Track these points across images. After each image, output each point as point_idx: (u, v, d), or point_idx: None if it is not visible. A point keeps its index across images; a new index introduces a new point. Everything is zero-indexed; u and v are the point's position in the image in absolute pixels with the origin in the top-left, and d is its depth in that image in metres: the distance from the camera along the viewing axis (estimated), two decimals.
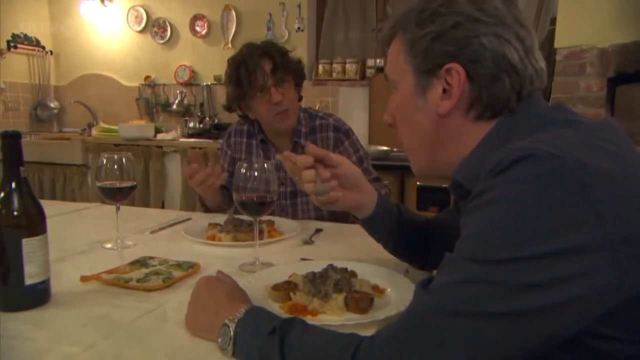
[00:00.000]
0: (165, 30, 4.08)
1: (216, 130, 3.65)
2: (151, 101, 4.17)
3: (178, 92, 4.03)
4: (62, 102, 4.49)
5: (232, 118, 1.75)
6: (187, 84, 4.05)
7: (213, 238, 1.29)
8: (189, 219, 1.53)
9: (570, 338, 0.55)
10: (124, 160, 1.21)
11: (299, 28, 3.70)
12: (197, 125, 3.78)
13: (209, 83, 3.96)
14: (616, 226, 0.52)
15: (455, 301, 0.55)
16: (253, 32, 3.76)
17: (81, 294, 0.92)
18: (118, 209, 1.24)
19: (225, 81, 1.64)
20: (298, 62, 1.64)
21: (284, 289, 0.89)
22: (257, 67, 1.53)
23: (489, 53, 0.68)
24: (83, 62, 4.40)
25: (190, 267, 1.04)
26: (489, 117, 0.71)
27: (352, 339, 0.62)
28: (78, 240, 1.28)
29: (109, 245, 1.24)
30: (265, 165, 1.06)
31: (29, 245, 0.83)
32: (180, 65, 4.06)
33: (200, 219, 1.48)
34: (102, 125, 3.80)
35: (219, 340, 0.71)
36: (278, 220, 1.43)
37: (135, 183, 1.22)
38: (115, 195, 1.21)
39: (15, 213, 0.83)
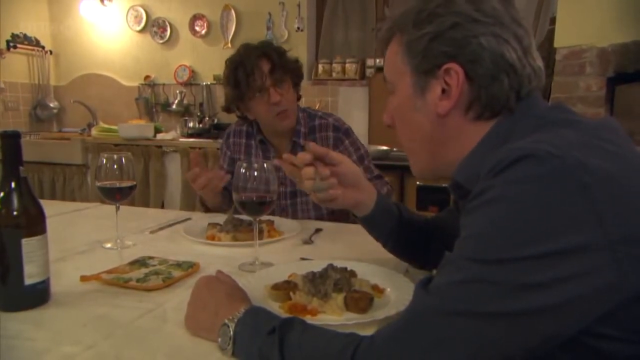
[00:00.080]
0: (164, 30, 4.08)
1: (216, 130, 3.65)
2: (151, 101, 4.17)
3: (178, 92, 4.03)
4: (61, 102, 4.49)
5: (232, 118, 1.75)
6: (187, 84, 4.05)
7: (213, 238, 1.29)
8: (189, 218, 1.53)
9: (571, 338, 0.55)
10: (123, 160, 1.21)
11: (298, 28, 3.70)
12: (197, 125, 3.78)
13: (209, 83, 3.96)
14: (616, 226, 0.52)
15: (455, 301, 0.55)
16: (253, 31, 3.76)
17: (81, 294, 0.92)
18: (118, 208, 1.24)
19: (223, 83, 1.64)
20: (296, 62, 1.64)
21: (284, 288, 0.89)
22: (255, 68, 1.53)
23: (487, 53, 0.68)
24: (83, 62, 4.40)
25: (190, 267, 1.04)
26: (488, 117, 0.71)
27: (351, 338, 0.62)
28: (78, 240, 1.28)
29: (108, 245, 1.23)
30: (265, 165, 1.06)
31: (28, 245, 0.83)
32: (180, 65, 4.06)
33: (200, 219, 1.48)
34: (102, 125, 3.80)
35: (219, 340, 0.71)
36: (278, 220, 1.43)
37: (134, 183, 1.22)
38: (114, 195, 1.21)
39: (15, 213, 0.83)
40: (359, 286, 0.90)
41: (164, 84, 4.15)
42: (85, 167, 3.58)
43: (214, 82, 3.91)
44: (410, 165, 0.84)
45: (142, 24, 4.13)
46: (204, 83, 3.97)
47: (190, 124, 3.78)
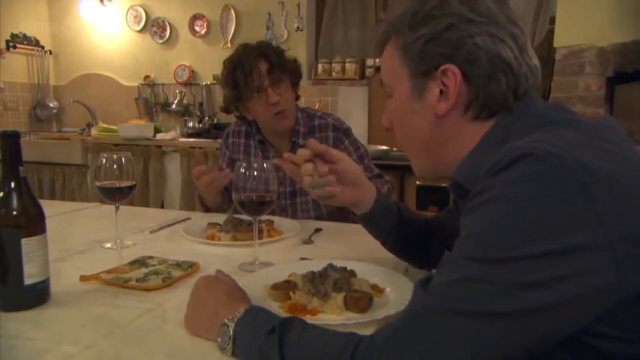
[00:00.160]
0: (164, 30, 4.08)
1: (215, 130, 3.66)
2: (150, 101, 4.17)
3: (177, 91, 4.03)
4: (61, 102, 4.49)
5: (231, 118, 1.75)
6: (187, 84, 4.05)
7: (212, 238, 1.29)
8: (189, 218, 1.53)
9: (571, 337, 0.55)
10: (123, 160, 1.21)
11: (298, 27, 3.70)
12: (197, 125, 3.78)
13: (208, 83, 3.96)
14: (616, 226, 0.52)
15: (454, 300, 0.55)
16: (252, 31, 3.76)
17: (80, 294, 0.92)
18: (117, 208, 1.24)
19: (221, 83, 1.63)
20: (294, 61, 1.64)
21: (284, 288, 0.89)
22: (253, 68, 1.53)
23: (483, 53, 0.68)
24: (82, 61, 4.40)
25: (189, 267, 1.04)
26: (486, 116, 0.71)
27: (351, 338, 0.62)
28: (77, 240, 1.28)
29: (108, 245, 1.23)
30: (265, 165, 1.06)
31: (28, 245, 0.83)
32: (180, 65, 4.06)
33: (200, 219, 1.48)
34: (102, 125, 3.80)
35: (219, 339, 0.71)
36: (277, 219, 1.43)
37: (134, 183, 1.22)
38: (114, 195, 1.21)
39: (15, 213, 0.83)
40: (358, 286, 0.90)
41: (163, 84, 4.15)
42: (85, 167, 3.58)
43: (214, 82, 3.91)
44: (412, 167, 0.84)
45: (142, 24, 4.13)
46: (204, 83, 3.97)
47: (190, 124, 3.78)
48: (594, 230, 0.52)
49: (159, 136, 3.64)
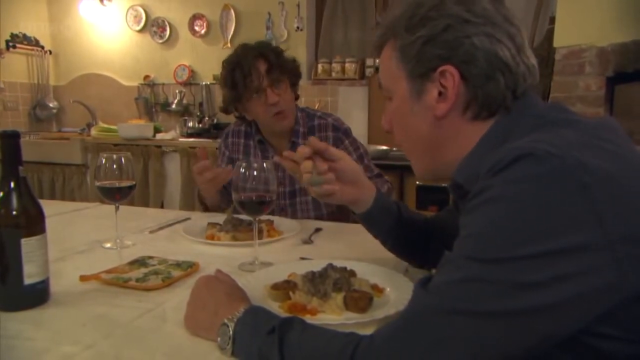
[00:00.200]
0: (164, 29, 4.08)
1: (215, 130, 3.65)
2: (150, 101, 4.17)
3: (177, 91, 4.03)
4: (61, 102, 4.49)
5: (231, 118, 1.75)
6: (186, 84, 4.05)
7: (212, 237, 1.29)
8: (188, 218, 1.53)
9: (571, 337, 0.55)
10: (123, 159, 1.21)
11: (298, 27, 3.70)
12: (196, 125, 3.78)
13: (208, 83, 3.96)
14: (616, 226, 0.52)
15: (454, 300, 0.55)
16: (252, 31, 3.76)
17: (80, 294, 0.92)
18: (117, 208, 1.24)
19: (220, 84, 1.63)
20: (293, 61, 1.64)
21: (283, 288, 0.89)
22: (252, 69, 1.52)
23: (481, 53, 0.68)
24: (82, 61, 4.40)
25: (189, 267, 1.04)
26: (485, 116, 0.71)
27: (351, 338, 0.62)
28: (77, 239, 1.28)
29: (108, 245, 1.23)
30: (265, 165, 1.06)
31: (28, 244, 0.83)
32: (180, 65, 4.06)
33: (200, 219, 1.48)
34: (101, 125, 3.80)
35: (218, 339, 0.71)
36: (277, 219, 1.43)
37: (134, 183, 1.22)
38: (114, 195, 1.21)
39: (14, 213, 0.83)
40: (358, 286, 0.90)
41: (163, 84, 4.15)
42: (85, 167, 3.58)
43: (214, 81, 3.91)
44: (412, 168, 0.84)
45: (142, 24, 4.13)
46: (204, 83, 3.97)
47: (190, 124, 3.78)
48: (594, 230, 0.52)
49: (159, 136, 3.64)
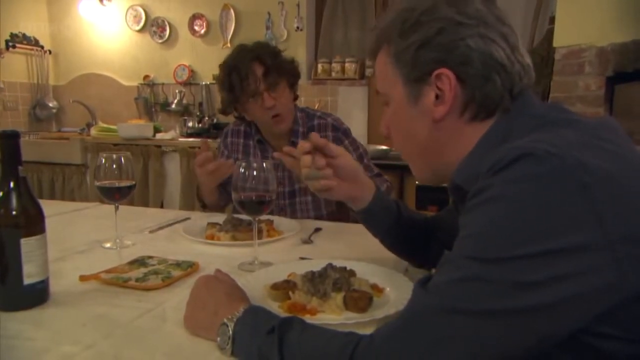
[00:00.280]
0: (164, 29, 4.08)
1: (215, 130, 3.66)
2: (150, 101, 4.17)
3: (177, 91, 4.03)
4: (60, 102, 4.48)
5: (231, 118, 1.75)
6: (186, 84, 4.05)
7: (212, 237, 1.29)
8: (188, 218, 1.53)
9: (571, 337, 0.55)
10: (122, 159, 1.21)
11: (298, 27, 3.70)
12: (196, 125, 3.78)
13: (208, 82, 3.96)
14: (616, 226, 0.52)
15: (454, 299, 0.55)
16: (252, 31, 3.76)
17: (80, 294, 0.92)
18: (117, 208, 1.24)
19: (218, 86, 1.63)
20: (291, 62, 1.64)
21: (283, 288, 0.89)
22: (248, 72, 1.52)
23: (476, 54, 0.68)
24: (82, 61, 4.40)
25: (189, 267, 1.04)
26: (483, 117, 0.71)
27: (351, 337, 0.62)
28: (77, 239, 1.28)
29: (108, 245, 1.23)
30: (264, 165, 1.06)
31: (27, 244, 0.83)
32: (179, 65, 4.05)
33: (199, 219, 1.48)
34: (101, 124, 3.80)
35: (218, 339, 0.71)
36: (277, 219, 1.43)
37: (134, 182, 1.22)
38: (114, 195, 1.21)
39: (14, 212, 0.83)
40: (358, 285, 0.90)
41: (163, 84, 4.15)
42: (85, 167, 3.58)
43: (213, 81, 3.90)
44: (412, 172, 0.84)
45: (142, 24, 4.13)
46: (203, 83, 3.97)
47: (190, 124, 3.78)
48: (594, 230, 0.52)
49: (159, 136, 3.64)
